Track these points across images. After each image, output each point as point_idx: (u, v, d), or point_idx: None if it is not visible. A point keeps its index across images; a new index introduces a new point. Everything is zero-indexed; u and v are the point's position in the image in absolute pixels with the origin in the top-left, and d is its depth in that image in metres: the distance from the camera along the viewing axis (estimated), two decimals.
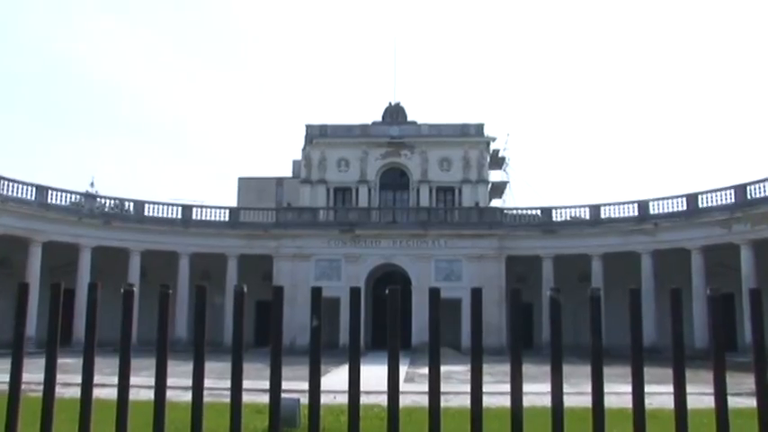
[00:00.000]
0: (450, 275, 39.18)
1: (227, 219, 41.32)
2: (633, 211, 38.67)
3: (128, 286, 3.42)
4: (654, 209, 37.93)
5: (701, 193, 35.88)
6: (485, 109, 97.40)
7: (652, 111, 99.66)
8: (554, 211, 40.99)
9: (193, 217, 40.81)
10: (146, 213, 39.82)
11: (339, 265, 39.72)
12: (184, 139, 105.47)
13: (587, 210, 40.37)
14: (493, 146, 49.56)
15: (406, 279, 38.82)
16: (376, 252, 39.99)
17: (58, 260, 36.48)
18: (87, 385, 3.37)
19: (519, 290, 3.74)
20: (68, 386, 11.26)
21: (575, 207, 41.01)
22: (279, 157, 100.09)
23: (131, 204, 40.09)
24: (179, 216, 40.46)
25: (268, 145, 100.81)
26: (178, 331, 37.38)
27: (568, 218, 40.70)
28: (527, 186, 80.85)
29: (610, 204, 39.80)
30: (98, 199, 39.73)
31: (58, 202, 36.22)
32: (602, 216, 39.64)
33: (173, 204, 41.32)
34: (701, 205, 35.72)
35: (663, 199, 37.83)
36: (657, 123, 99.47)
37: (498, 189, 52.25)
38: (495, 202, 53.53)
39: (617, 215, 39.30)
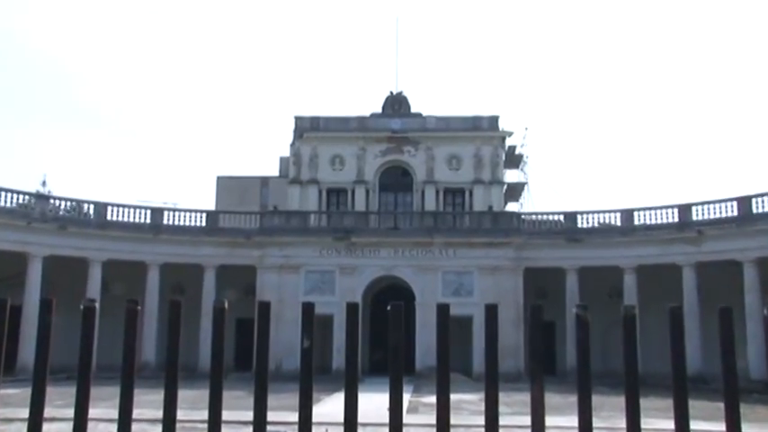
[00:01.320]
0: (460, 290, 39.14)
1: (203, 224, 41.31)
2: (673, 217, 38.15)
3: (88, 302, 3.38)
4: (698, 214, 37.29)
5: (756, 196, 34.99)
6: (499, 100, 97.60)
7: (693, 103, 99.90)
8: (579, 217, 40.95)
9: (164, 222, 40.76)
10: (108, 217, 39.58)
11: (333, 278, 39.70)
12: (155, 133, 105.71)
13: (619, 215, 40.24)
14: (509, 141, 49.58)
15: (410, 294, 38.77)
16: (375, 263, 39.97)
17: (2, 271, 36.12)
18: (36, 419, 3.33)
19: (540, 306, 3.72)
20: (11, 421, 11.18)
21: (604, 212, 40.95)
22: (264, 154, 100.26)
23: (91, 207, 39.91)
24: (148, 221, 40.38)
25: (252, 140, 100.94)
26: (146, 354, 37.21)
27: (596, 224, 40.66)
28: (548, 188, 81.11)
29: (645, 209, 39.47)
30: (51, 200, 39.54)
31: (2, 203, 35.87)
32: (637, 222, 39.43)
33: (140, 207, 41.27)
34: (755, 210, 34.97)
35: (709, 203, 37.00)
36: (700, 118, 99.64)
37: (515, 191, 52.26)
38: (512, 206, 53.51)
39: (654, 221, 38.94)
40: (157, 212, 41.17)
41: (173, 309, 3.65)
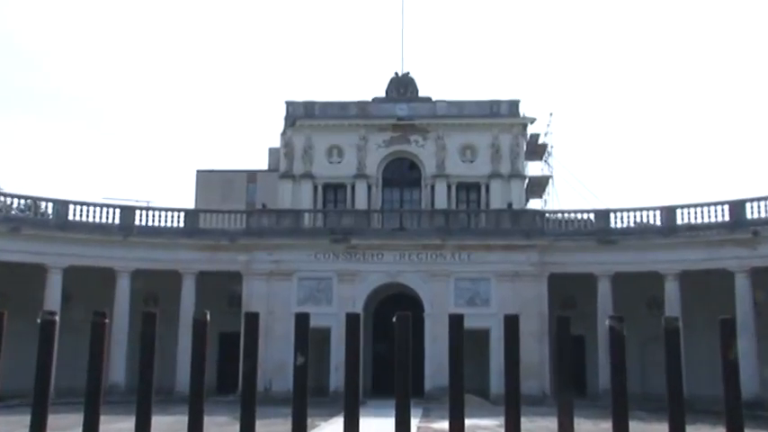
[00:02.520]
0: (475, 299, 39.14)
1: (181, 224, 41.33)
2: (723, 216, 37.71)
3: (46, 315, 3.35)
4: (752, 212, 36.88)
5: None
6: (520, 82, 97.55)
7: (745, 87, 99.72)
8: (613, 215, 40.89)
9: (136, 222, 40.76)
10: (70, 217, 39.39)
11: (330, 286, 39.73)
12: (125, 122, 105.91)
13: (659, 213, 40.08)
14: (531, 129, 49.62)
15: (418, 304, 38.78)
16: (378, 268, 39.99)
17: None
18: None
19: (567, 318, 3.69)
20: None
21: (641, 210, 40.83)
22: (251, 145, 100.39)
23: (50, 205, 39.84)
24: (116, 221, 40.37)
25: (237, 129, 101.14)
26: (114, 375, 37.12)
27: (632, 224, 40.58)
28: (576, 182, 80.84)
29: (690, 206, 39.01)
30: (2, 198, 39.56)
31: None
32: (680, 222, 39.19)
33: (108, 206, 41.23)
34: None
35: (766, 199, 36.54)
36: (753, 103, 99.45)
37: (538, 186, 52.26)
38: (534, 203, 53.51)
39: (700, 220, 38.48)
40: (128, 211, 41.16)
41: (146, 322, 3.64)
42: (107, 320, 3.58)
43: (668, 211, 39.74)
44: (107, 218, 40.36)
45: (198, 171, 56.01)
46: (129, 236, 39.91)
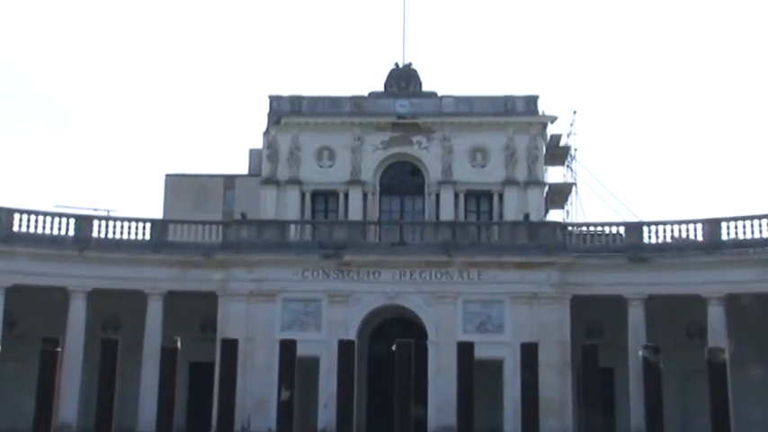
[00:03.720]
0: (487, 324, 39.09)
1: (147, 237, 41.24)
2: None
3: None
4: None
5: None
6: (538, 75, 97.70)
7: None
8: (646, 229, 40.88)
9: (94, 234, 40.65)
10: (15, 228, 39.23)
11: (319, 308, 39.66)
12: (82, 118, 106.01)
13: (700, 227, 40.00)
14: (551, 129, 49.63)
15: (420, 330, 38.71)
16: (374, 288, 39.92)
17: None
18: None
19: (594, 347, 3.69)
20: None
21: (680, 223, 40.78)
22: (228, 146, 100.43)
23: None
24: (71, 233, 40.25)
25: (213, 127, 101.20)
26: (65, 413, 36.81)
27: (669, 239, 40.54)
28: (604, 191, 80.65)
29: (737, 219, 38.82)
30: None
31: None
32: (725, 237, 39.04)
33: (61, 215, 41.05)
34: None
35: None
36: None
37: (559, 194, 52.25)
38: (555, 215, 53.46)
39: (749, 236, 38.37)
40: (84, 222, 41.04)
41: (105, 350, 3.62)
42: (58, 349, 3.56)
43: (711, 225, 39.61)
44: (60, 229, 40.21)
45: (167, 175, 55.87)
46: (86, 250, 39.80)
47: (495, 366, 36.84)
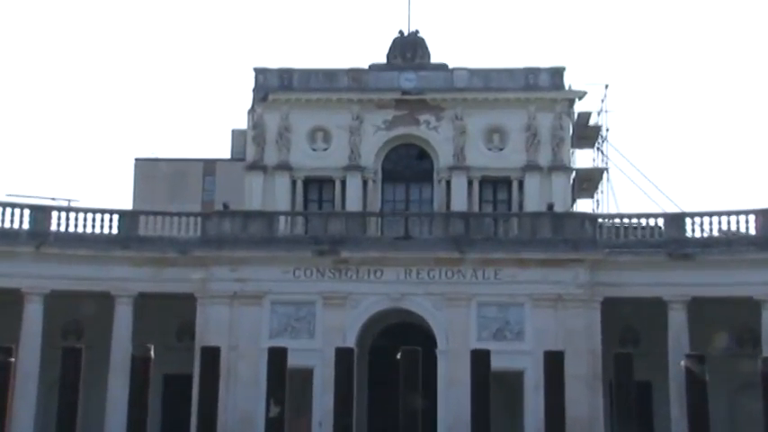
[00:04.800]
0: (504, 331, 39.08)
1: (114, 231, 41.21)
2: None
3: None
4: None
5: None
6: (564, 44, 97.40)
7: None
8: (689, 222, 40.82)
9: (53, 227, 40.64)
10: None
11: (312, 313, 39.66)
12: (37, 95, 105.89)
13: (752, 219, 39.89)
14: (580, 106, 49.56)
15: (428, 337, 38.73)
16: (376, 290, 39.92)
17: None
18: None
19: (628, 356, 3.69)
20: None
21: (728, 213, 40.69)
22: (209, 125, 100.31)
23: None
24: (25, 226, 40.20)
25: (190, 104, 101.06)
26: (19, 429, 36.97)
27: (716, 233, 40.51)
28: (640, 177, 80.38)
29: None
30: None
31: None
32: None
33: (14, 205, 40.96)
34: None
35: None
36: None
37: (589, 181, 52.16)
38: (584, 205, 53.39)
39: None
40: (41, 213, 41.00)
41: (67, 361, 3.64)
42: (12, 359, 3.58)
43: (765, 217, 39.57)
44: (12, 222, 40.17)
45: (137, 160, 55.90)
46: (43, 246, 39.78)
47: (515, 379, 36.85)
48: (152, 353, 3.69)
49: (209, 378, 3.69)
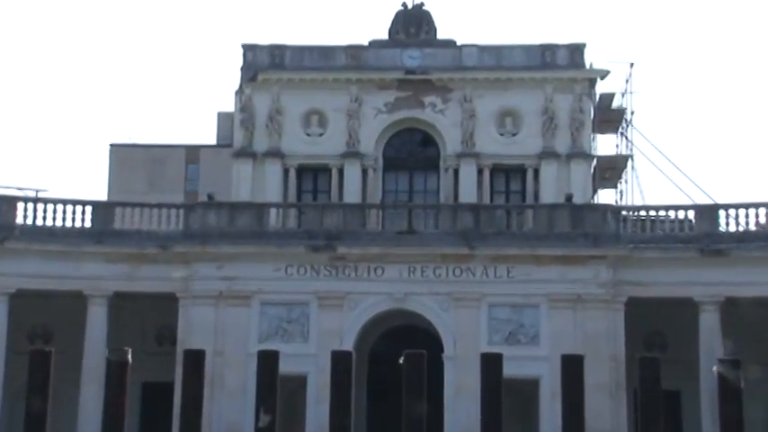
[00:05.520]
0: (518, 335, 39.13)
1: (87, 224, 41.26)
2: None
3: None
4: None
5: None
6: (584, 18, 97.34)
7: None
8: (723, 214, 40.83)
9: (19, 220, 40.66)
10: None
11: (306, 314, 39.70)
12: (4, 75, 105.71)
13: None
14: (602, 87, 49.55)
15: (434, 341, 38.75)
16: (376, 289, 39.96)
17: None
18: None
19: (655, 360, 3.69)
20: None
21: (766, 205, 40.71)
22: (192, 108, 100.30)
23: None
24: None
25: (172, 85, 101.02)
26: None
27: (753, 227, 40.56)
28: (668, 165, 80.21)
29: None
30: None
31: None
32: None
33: None
34: None
35: None
36: None
37: (612, 170, 52.20)
38: (606, 196, 53.48)
39: None
40: (7, 205, 40.98)
41: (35, 366, 3.66)
42: None
43: None
44: None
45: (112, 146, 55.98)
46: (8, 240, 39.80)
47: (529, 388, 36.91)
48: (129, 357, 3.69)
49: (192, 385, 3.70)
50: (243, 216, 41.40)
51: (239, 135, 48.18)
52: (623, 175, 52.59)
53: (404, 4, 50.71)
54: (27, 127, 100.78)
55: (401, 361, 3.67)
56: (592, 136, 48.79)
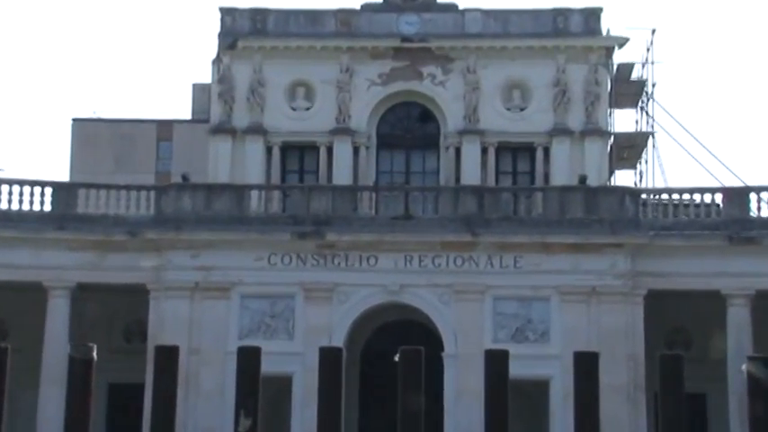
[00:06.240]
0: (526, 331, 39.20)
1: (47, 207, 41.26)
2: None
3: None
4: None
5: None
6: None
7: None
8: (755, 198, 40.89)
9: None
10: None
11: (291, 308, 39.74)
12: None
13: None
14: (620, 56, 49.52)
15: (433, 338, 38.84)
16: (369, 280, 40.00)
17: None
18: None
19: (677, 358, 3.70)
20: None
21: None
22: (164, 80, 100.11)
23: None
24: None
25: (141, 54, 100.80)
26: None
27: None
28: (692, 144, 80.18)
29: None
30: None
31: None
32: None
33: None
34: None
35: None
36: None
37: (631, 148, 52.19)
38: (624, 177, 53.51)
39: None
40: None
41: None
42: None
43: None
44: None
45: (75, 121, 55.85)
46: None
47: (538, 390, 37.00)
48: (95, 353, 3.69)
49: (164, 385, 3.70)
50: (221, 199, 41.38)
51: (217, 109, 48.14)
52: (643, 155, 52.59)
53: None
54: None
55: (396, 358, 3.68)
56: (608, 111, 48.76)
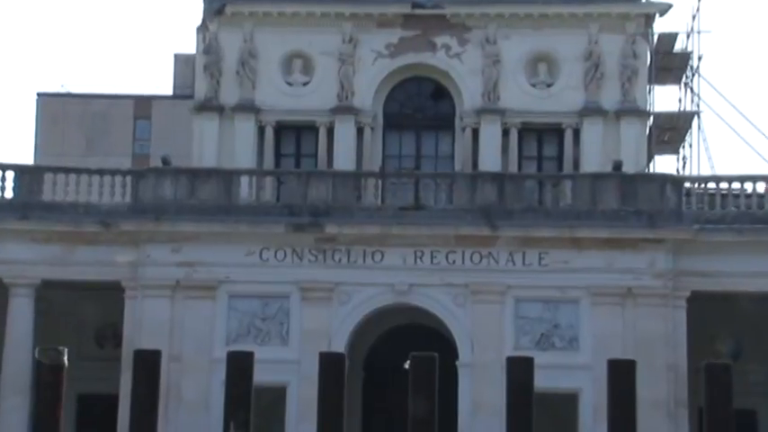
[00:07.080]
0: (552, 337, 39.22)
1: (8, 194, 41.33)
2: None
3: None
4: None
5: None
6: None
7: None
8: None
9: None
10: None
11: (285, 310, 39.80)
12: None
13: None
14: (661, 26, 49.46)
15: (446, 344, 38.88)
16: (374, 278, 40.04)
17: None
18: None
19: (725, 368, 3.72)
20: None
21: None
22: (142, 50, 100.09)
23: None
24: None
25: (116, 21, 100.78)
26: None
27: None
28: (743, 125, 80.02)
29: None
30: None
31: None
32: None
33: None
34: None
35: None
36: None
37: (672, 130, 52.18)
38: (665, 163, 53.51)
39: None
40: None
41: None
42: None
43: None
44: None
45: (40, 96, 55.89)
46: None
47: (566, 404, 37.05)
48: (65, 358, 3.72)
49: (144, 394, 3.73)
50: (206, 186, 41.38)
51: (202, 84, 48.11)
52: (687, 138, 52.56)
53: None
54: None
55: (406, 366, 3.70)
56: (648, 88, 48.70)
